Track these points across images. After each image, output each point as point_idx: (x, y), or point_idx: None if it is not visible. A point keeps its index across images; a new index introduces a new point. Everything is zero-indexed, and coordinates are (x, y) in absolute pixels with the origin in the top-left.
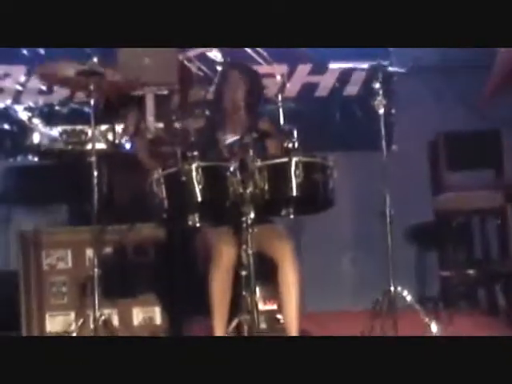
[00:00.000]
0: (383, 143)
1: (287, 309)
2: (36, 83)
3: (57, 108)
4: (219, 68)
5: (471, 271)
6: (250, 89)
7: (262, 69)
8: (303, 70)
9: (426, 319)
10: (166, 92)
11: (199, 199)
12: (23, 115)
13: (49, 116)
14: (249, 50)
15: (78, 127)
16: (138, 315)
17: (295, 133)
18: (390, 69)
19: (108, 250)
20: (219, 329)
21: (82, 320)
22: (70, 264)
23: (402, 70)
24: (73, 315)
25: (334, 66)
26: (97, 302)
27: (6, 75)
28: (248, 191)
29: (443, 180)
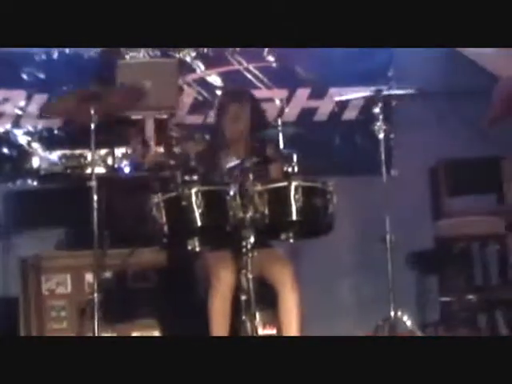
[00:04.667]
0: (383, 168)
1: (287, 333)
2: (35, 108)
3: (56, 132)
4: (219, 93)
5: (472, 297)
6: (250, 120)
7: (262, 93)
8: (302, 94)
9: None
10: (165, 116)
11: (199, 224)
12: (23, 139)
13: (48, 140)
14: (248, 75)
15: (78, 151)
16: None
17: (295, 157)
18: (390, 93)
19: (108, 274)
20: None
21: None
22: (69, 288)
23: (402, 93)
24: None
25: (334, 93)
26: (96, 326)
27: (6, 100)
28: (248, 215)
29: (444, 206)
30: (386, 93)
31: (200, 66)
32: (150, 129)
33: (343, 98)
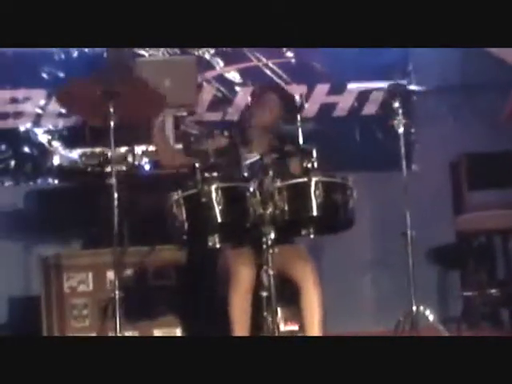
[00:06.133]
0: (403, 163)
1: (310, 330)
2: (56, 106)
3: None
4: (238, 89)
5: (494, 291)
6: (283, 113)
7: None
8: (321, 89)
9: None
10: (185, 113)
11: (219, 220)
12: (43, 138)
13: (68, 139)
14: (267, 71)
15: (98, 149)
16: None
17: (314, 153)
18: (410, 87)
19: (129, 272)
20: None
21: None
22: (90, 287)
23: (421, 89)
24: None
25: (353, 86)
26: (118, 324)
27: (26, 99)
28: (268, 212)
29: (465, 200)
30: (404, 84)
31: (219, 63)
32: (169, 126)
33: (364, 86)
